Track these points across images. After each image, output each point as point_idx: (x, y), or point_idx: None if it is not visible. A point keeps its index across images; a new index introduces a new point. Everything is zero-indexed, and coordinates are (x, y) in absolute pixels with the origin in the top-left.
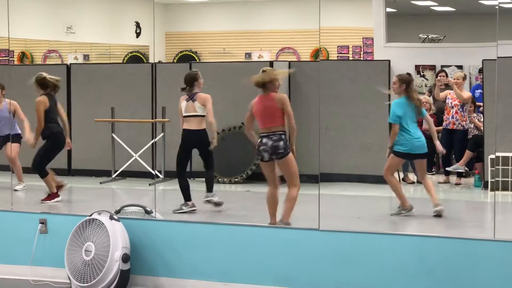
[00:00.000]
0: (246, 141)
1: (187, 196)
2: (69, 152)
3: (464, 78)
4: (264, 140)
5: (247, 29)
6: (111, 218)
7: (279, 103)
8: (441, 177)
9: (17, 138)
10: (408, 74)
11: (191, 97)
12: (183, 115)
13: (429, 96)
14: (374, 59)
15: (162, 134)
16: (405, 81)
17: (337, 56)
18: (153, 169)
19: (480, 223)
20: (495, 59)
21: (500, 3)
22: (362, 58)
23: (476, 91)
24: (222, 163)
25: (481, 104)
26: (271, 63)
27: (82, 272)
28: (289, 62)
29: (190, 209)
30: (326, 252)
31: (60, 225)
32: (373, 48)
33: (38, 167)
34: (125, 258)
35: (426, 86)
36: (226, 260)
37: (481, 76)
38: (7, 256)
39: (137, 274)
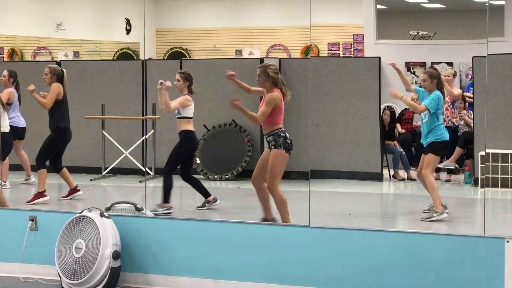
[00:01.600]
0: (237, 137)
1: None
2: None
3: (455, 75)
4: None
5: (237, 26)
6: (102, 215)
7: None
8: None
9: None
10: (434, 68)
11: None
12: (191, 116)
13: None
14: (365, 56)
15: (152, 131)
16: (436, 76)
17: (328, 53)
18: (143, 166)
19: (470, 220)
20: (485, 56)
21: (490, 0)
22: (352, 55)
23: (471, 88)
24: (212, 160)
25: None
26: (261, 60)
27: (72, 270)
28: (280, 59)
29: (168, 211)
30: (317, 249)
31: (50, 223)
32: (363, 45)
33: (39, 160)
34: (116, 255)
35: (416, 83)
36: (217, 257)
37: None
38: None
39: (127, 271)
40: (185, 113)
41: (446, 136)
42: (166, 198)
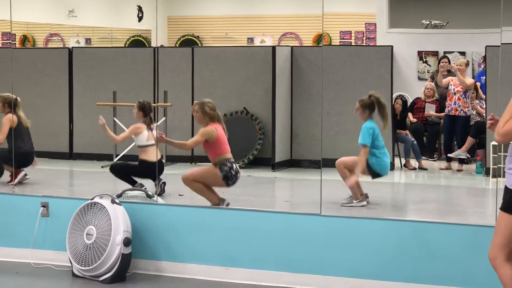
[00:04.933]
0: (248, 125)
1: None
2: (71, 136)
3: (467, 64)
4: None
5: (249, 13)
6: (113, 202)
7: None
8: (443, 164)
9: None
10: (369, 96)
11: (149, 127)
12: (145, 144)
13: (432, 82)
14: (377, 44)
15: (164, 119)
16: (368, 106)
17: (340, 42)
18: None
19: (481, 210)
20: (499, 46)
21: None
22: (364, 44)
23: (481, 77)
24: None
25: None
26: (273, 48)
27: (83, 256)
28: (292, 47)
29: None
30: (328, 237)
31: (61, 209)
32: (375, 34)
33: None
34: (127, 242)
35: (428, 72)
36: (228, 245)
37: (484, 63)
38: (8, 239)
39: (138, 258)
40: (137, 142)
41: (382, 170)
42: (132, 182)
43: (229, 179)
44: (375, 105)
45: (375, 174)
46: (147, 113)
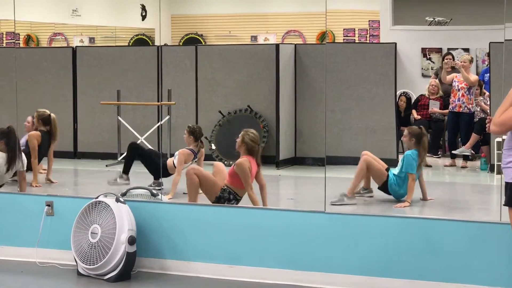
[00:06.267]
0: (252, 123)
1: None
2: (75, 135)
3: (471, 61)
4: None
5: (253, 12)
6: (117, 200)
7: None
8: (447, 160)
9: None
10: (420, 127)
11: (195, 156)
12: (182, 168)
13: (436, 79)
14: (381, 41)
15: (168, 117)
16: (415, 135)
17: (343, 39)
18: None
19: (486, 206)
20: (503, 42)
21: None
22: (368, 41)
23: (485, 75)
24: (228, 146)
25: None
26: (277, 46)
27: (88, 254)
28: (295, 45)
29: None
30: (332, 235)
31: (66, 208)
32: (379, 31)
33: None
34: (131, 241)
35: (432, 69)
36: (232, 243)
37: (488, 59)
38: (13, 238)
39: (143, 256)
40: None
41: (394, 194)
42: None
43: (222, 198)
44: (422, 136)
45: (386, 192)
46: (197, 137)
